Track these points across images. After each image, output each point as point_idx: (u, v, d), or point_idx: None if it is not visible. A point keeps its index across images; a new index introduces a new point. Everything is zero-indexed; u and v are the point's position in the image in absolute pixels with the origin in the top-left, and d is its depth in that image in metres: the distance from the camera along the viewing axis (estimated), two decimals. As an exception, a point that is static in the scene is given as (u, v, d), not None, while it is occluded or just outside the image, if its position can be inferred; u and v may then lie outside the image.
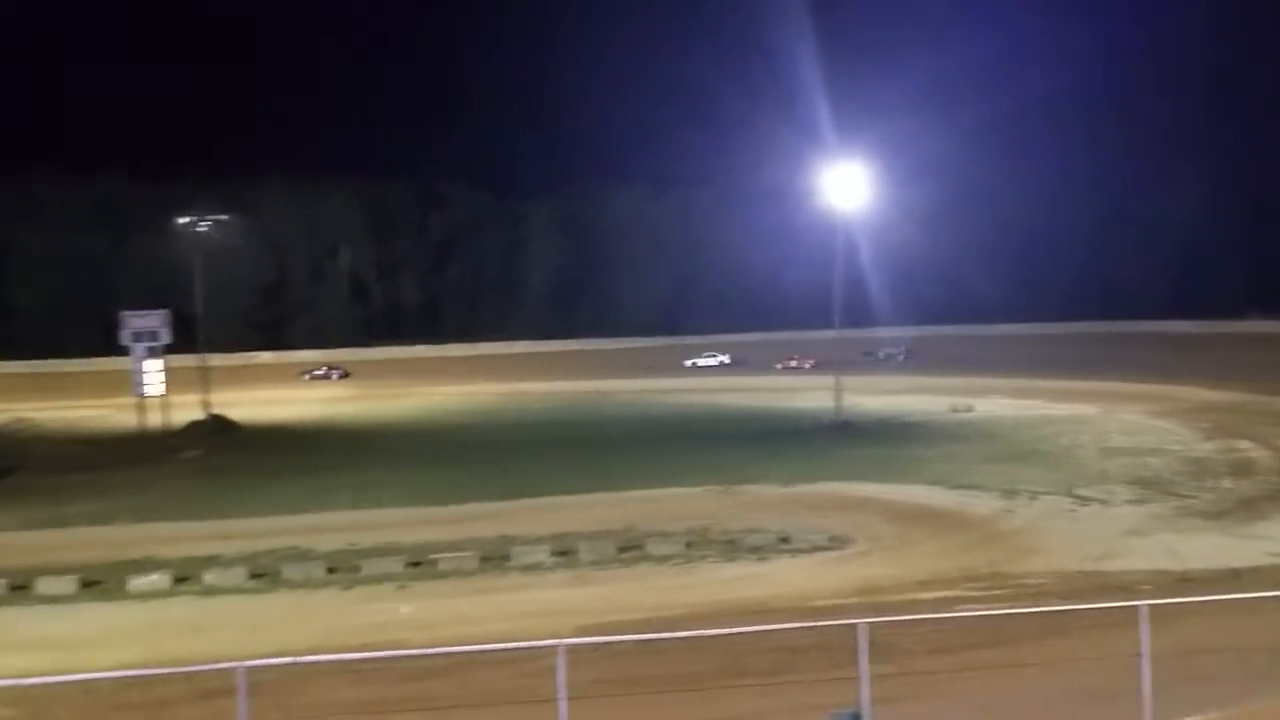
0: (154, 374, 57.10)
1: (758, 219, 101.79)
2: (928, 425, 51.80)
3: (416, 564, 26.94)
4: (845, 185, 54.67)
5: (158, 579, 26.07)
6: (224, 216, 70.53)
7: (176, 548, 29.19)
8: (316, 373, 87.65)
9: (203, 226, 66.67)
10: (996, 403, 57.26)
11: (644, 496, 35.44)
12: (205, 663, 13.51)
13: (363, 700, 16.34)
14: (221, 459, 47.53)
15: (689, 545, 28.36)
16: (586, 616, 21.60)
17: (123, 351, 58.96)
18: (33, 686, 15.81)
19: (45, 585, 25.73)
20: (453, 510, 34.07)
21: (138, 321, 58.22)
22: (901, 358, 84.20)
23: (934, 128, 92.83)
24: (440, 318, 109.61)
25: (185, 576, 26.34)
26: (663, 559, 27.37)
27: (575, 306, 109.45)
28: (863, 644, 11.02)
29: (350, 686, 16.82)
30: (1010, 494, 34.23)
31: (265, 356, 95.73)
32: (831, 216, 56.43)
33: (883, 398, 58.62)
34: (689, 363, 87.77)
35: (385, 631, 20.83)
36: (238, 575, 26.31)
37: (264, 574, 26.52)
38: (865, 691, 11.10)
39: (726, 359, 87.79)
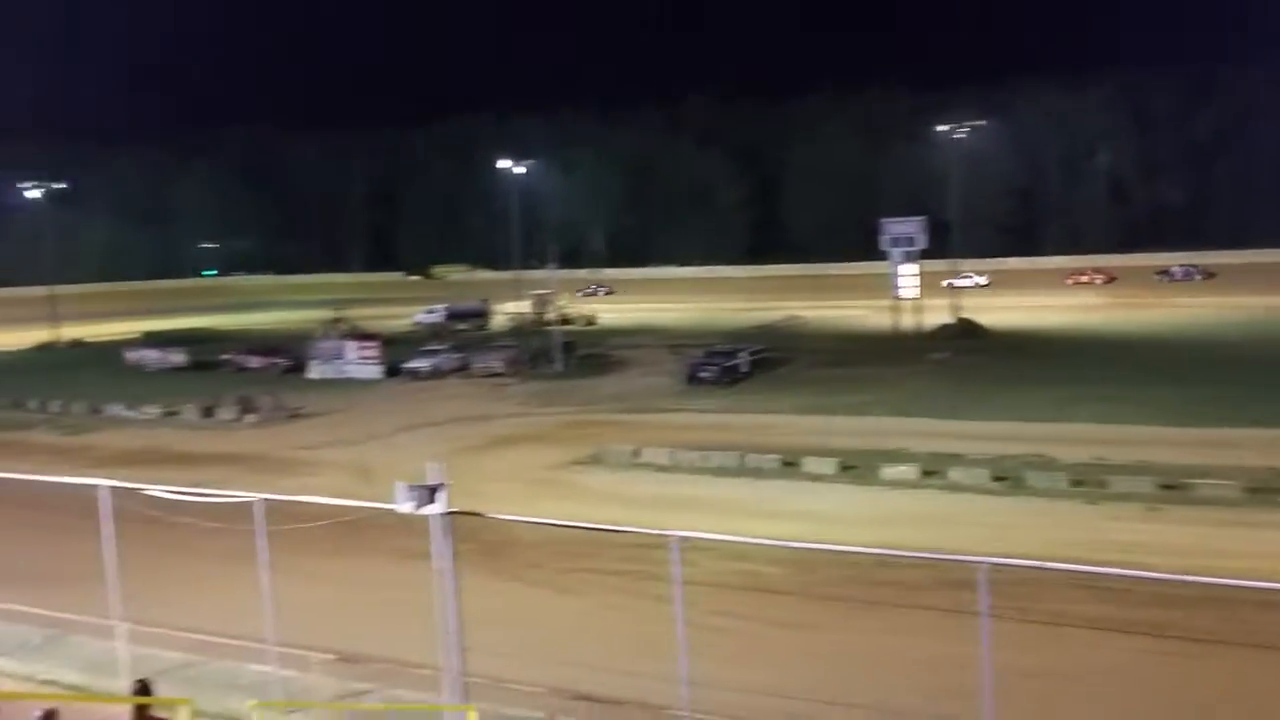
0: (909, 278, 60.15)
1: None
2: None
3: (1169, 487, 25.05)
4: None
5: (906, 470, 27.66)
6: (979, 122, 70.93)
7: (924, 443, 30.63)
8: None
9: (959, 133, 67.85)
10: None
11: None
12: (947, 554, 14.07)
13: (1104, 617, 15.77)
14: (968, 362, 48.56)
15: None
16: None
17: (882, 256, 62.92)
18: (797, 550, 17.92)
19: (810, 465, 28.78)
20: (1211, 433, 30.93)
21: (896, 228, 61.56)
22: (1199, 277, 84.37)
23: None
24: (1207, 221, 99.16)
25: (931, 471, 27.57)
26: None
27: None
28: None
29: (1091, 601, 16.32)
30: None
31: (1014, 262, 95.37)
32: None
33: None
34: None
35: (1130, 552, 19.77)
36: (981, 475, 26.85)
37: (1006, 477, 26.70)
38: None
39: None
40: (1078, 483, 25.88)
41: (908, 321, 59.35)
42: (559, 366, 50.88)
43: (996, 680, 10.00)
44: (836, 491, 26.79)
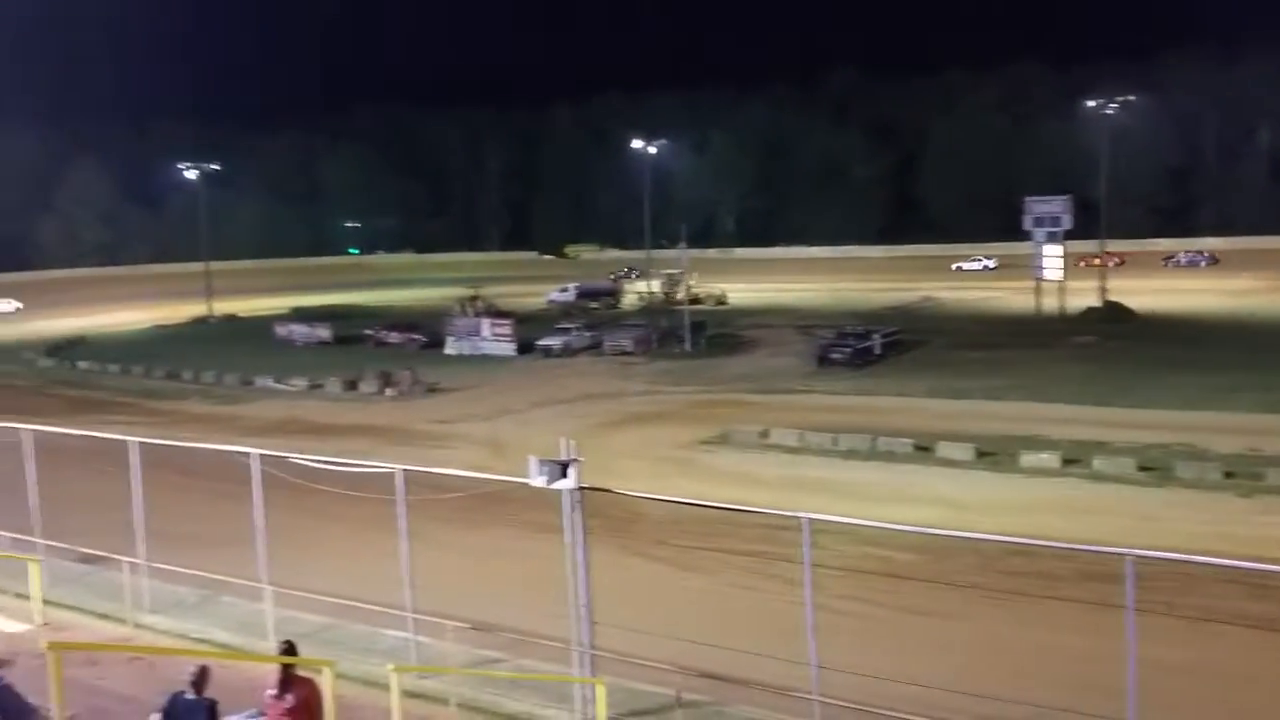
0: (1053, 259, 58.14)
1: None
2: None
3: (1332, 481, 23.67)
4: None
5: (1047, 458, 26.80)
6: (1130, 97, 67.92)
7: (1065, 430, 29.63)
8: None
9: (1108, 109, 65.12)
10: None
11: None
12: (1088, 544, 13.55)
13: (1258, 615, 14.98)
14: (1114, 347, 46.69)
15: None
16: None
17: (1024, 236, 60.93)
18: (931, 537, 17.52)
19: (944, 450, 28.15)
20: (1384, 426, 29.04)
21: (1040, 207, 59.51)
22: (1204, 264, 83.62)
23: None
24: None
25: (1073, 459, 26.66)
26: None
27: None
28: None
29: (1244, 598, 15.53)
30: None
31: (1165, 243, 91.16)
32: None
33: None
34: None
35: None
36: (1126, 465, 25.84)
37: (1154, 468, 25.63)
38: None
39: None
40: (1230, 474, 24.68)
41: (1051, 304, 57.42)
42: (688, 346, 50.90)
43: (1140, 676, 9.61)
44: (972, 478, 26.14)
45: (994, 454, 27.69)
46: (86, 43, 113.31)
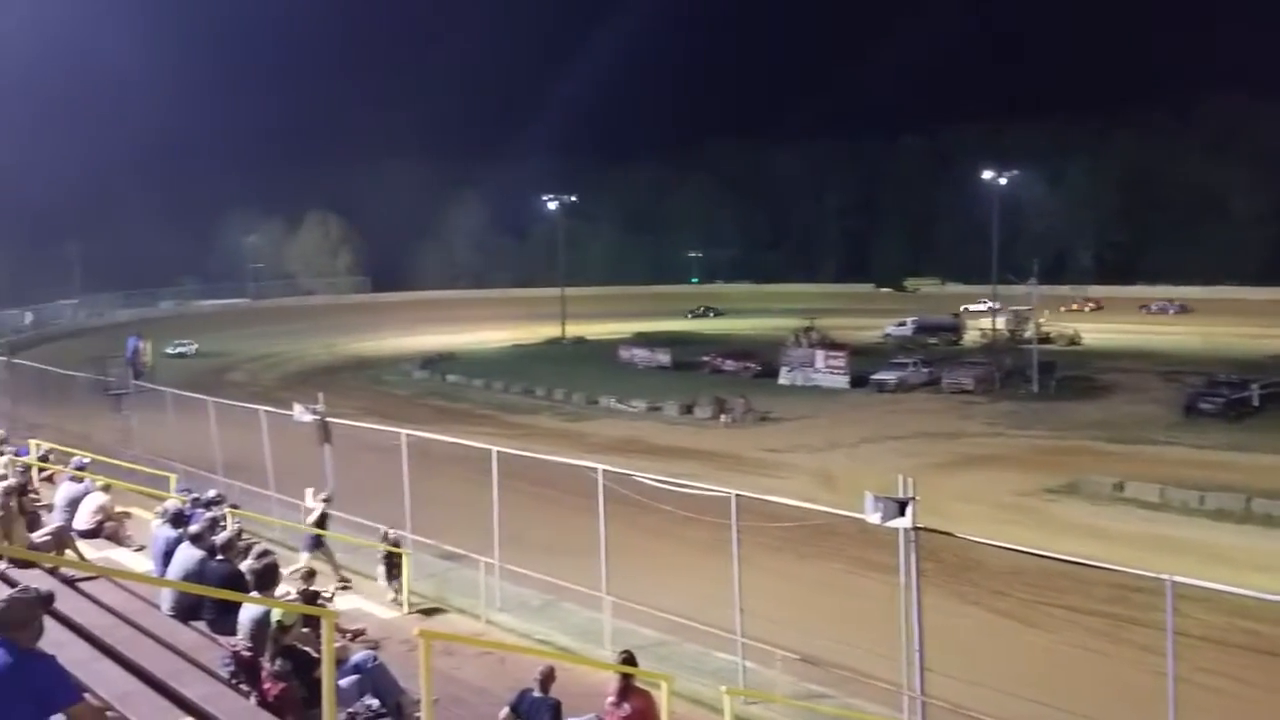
0: None
1: None
2: None
3: None
4: None
5: None
6: None
7: None
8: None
9: None
10: None
11: None
12: None
13: None
14: None
15: None
16: None
17: None
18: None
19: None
20: None
21: None
22: (1172, 311, 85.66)
23: None
24: None
25: None
26: None
27: None
28: None
29: None
30: None
31: None
32: None
33: None
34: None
35: None
36: None
37: None
38: None
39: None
40: None
41: None
42: (1035, 387, 48.29)
43: None
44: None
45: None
46: (478, 86, 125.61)
